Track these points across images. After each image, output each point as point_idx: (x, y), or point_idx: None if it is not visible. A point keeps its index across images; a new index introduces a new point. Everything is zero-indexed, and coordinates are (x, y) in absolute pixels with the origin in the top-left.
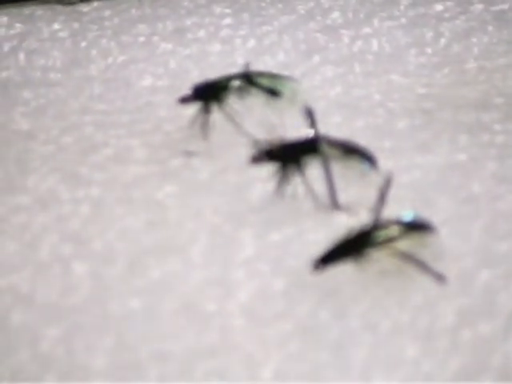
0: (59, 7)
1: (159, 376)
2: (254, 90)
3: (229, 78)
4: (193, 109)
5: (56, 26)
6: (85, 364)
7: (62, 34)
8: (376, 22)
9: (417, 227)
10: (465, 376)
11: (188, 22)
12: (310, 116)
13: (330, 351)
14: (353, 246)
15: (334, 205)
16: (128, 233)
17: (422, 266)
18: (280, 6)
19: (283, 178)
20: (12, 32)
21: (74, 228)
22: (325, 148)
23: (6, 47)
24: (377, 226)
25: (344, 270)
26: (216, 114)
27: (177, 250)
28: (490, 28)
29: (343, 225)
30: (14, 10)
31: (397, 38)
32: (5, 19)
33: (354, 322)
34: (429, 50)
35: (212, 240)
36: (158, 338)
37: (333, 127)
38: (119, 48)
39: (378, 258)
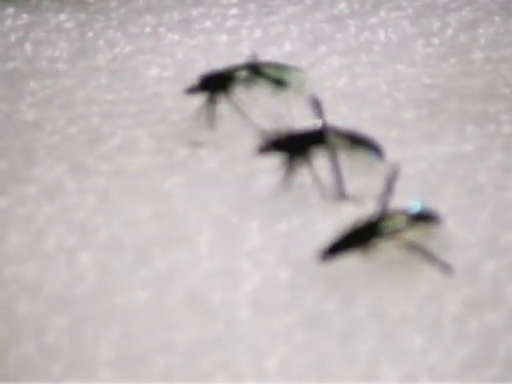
0: None
1: (165, 367)
2: (260, 81)
3: (235, 69)
4: (199, 99)
5: (62, 17)
6: (91, 355)
7: (68, 25)
8: (383, 12)
9: (423, 218)
10: (471, 366)
11: (194, 13)
12: (316, 106)
13: (336, 342)
14: (359, 237)
15: (341, 195)
16: (134, 223)
17: (428, 256)
18: None
19: (290, 169)
20: (19, 23)
21: (80, 218)
22: (332, 138)
23: (13, 38)
24: (383, 216)
25: (350, 260)
26: (222, 105)
27: (183, 240)
28: (497, 18)
29: (350, 215)
30: (20, 1)
31: (403, 28)
32: (11, 10)
33: (361, 313)
34: (435, 41)
35: (218, 230)
36: (164, 329)
37: (339, 117)
38: (126, 38)
39: (385, 249)
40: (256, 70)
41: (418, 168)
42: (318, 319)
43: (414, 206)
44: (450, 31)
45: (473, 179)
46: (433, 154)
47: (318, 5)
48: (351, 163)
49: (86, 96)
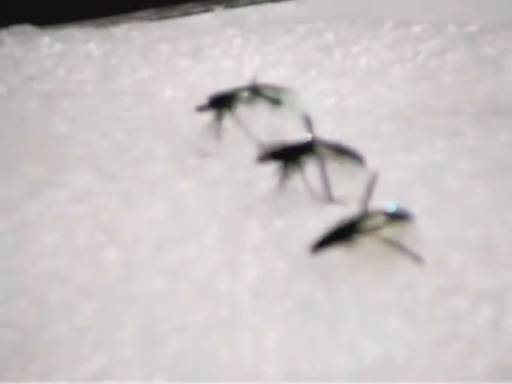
0: (93, 29)
1: (178, 345)
2: (259, 100)
3: (238, 90)
4: (208, 116)
5: (91, 46)
6: (115, 335)
7: (95, 53)
8: (364, 41)
9: (398, 217)
10: (441, 343)
11: (204, 42)
12: (307, 122)
13: (325, 324)
14: (344, 233)
15: (328, 198)
16: (152, 222)
17: (403, 250)
18: (282, 27)
19: (285, 175)
20: (53, 50)
21: (106, 218)
22: (320, 149)
23: (48, 63)
24: (364, 215)
25: (336, 253)
26: (228, 120)
27: (194, 236)
28: (462, 47)
29: (336, 215)
30: (54, 32)
31: (382, 55)
32: (47, 39)
33: (345, 298)
34: (409, 66)
35: (223, 228)
36: (178, 313)
37: (327, 132)
38: (145, 64)
39: (366, 243)
40: (256, 91)
41: (394, 175)
42: (309, 304)
43: (391, 206)
44: (421, 58)
45: (441, 184)
46: (407, 162)
47: (308, 35)
48: (337, 170)
49: (111, 113)
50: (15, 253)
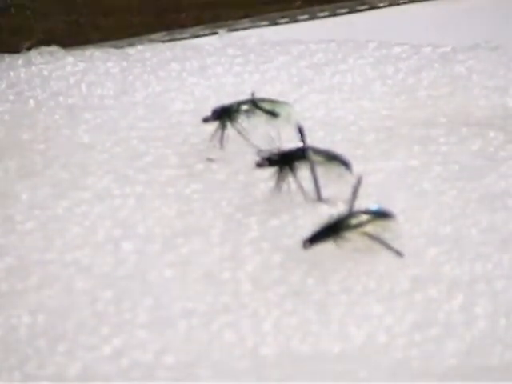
0: (112, 50)
1: (187, 327)
2: (258, 112)
3: (239, 103)
4: (212, 126)
5: (109, 64)
6: (131, 320)
7: (113, 70)
8: (350, 60)
9: (380, 215)
10: (418, 328)
11: (209, 61)
12: (300, 131)
13: (315, 309)
14: (332, 230)
15: (319, 198)
16: (163, 219)
17: (384, 244)
18: (278, 48)
19: (280, 178)
20: (76, 69)
21: (123, 216)
22: (312, 155)
23: (72, 80)
24: (350, 214)
25: (326, 247)
26: (230, 130)
27: (200, 232)
28: (436, 65)
29: (325, 213)
30: (77, 52)
31: (366, 72)
32: (71, 59)
33: (334, 287)
34: (390, 82)
35: (226, 225)
36: (186, 299)
37: (318, 140)
38: (157, 80)
39: (352, 239)
40: (255, 104)
41: (377, 178)
42: (301, 292)
43: (374, 206)
44: (401, 75)
45: (418, 186)
46: (388, 167)
47: (301, 55)
48: (326, 174)
49: (127, 124)
50: (45, 246)
